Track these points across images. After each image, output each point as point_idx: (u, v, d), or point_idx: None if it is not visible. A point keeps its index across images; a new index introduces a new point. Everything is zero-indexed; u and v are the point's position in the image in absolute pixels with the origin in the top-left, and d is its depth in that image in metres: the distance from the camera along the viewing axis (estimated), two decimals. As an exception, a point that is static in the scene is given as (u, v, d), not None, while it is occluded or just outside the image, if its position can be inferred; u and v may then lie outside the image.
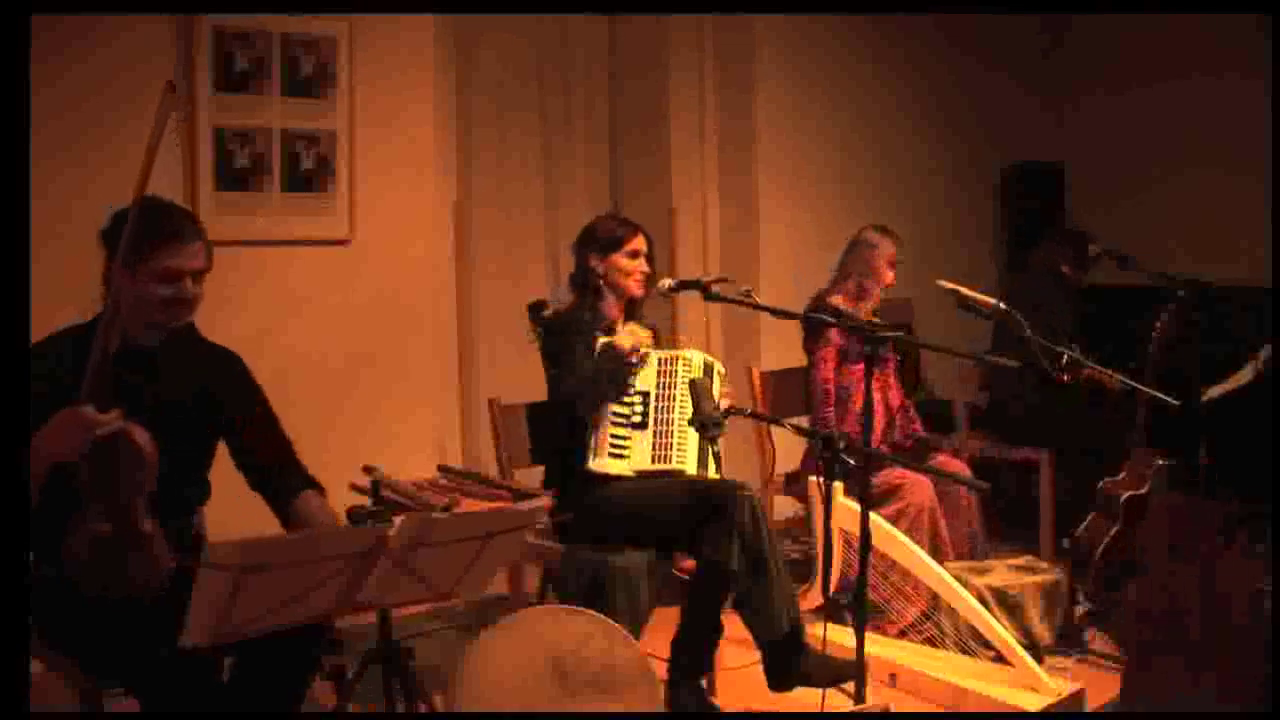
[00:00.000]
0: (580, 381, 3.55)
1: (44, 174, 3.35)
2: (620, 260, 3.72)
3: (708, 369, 3.67)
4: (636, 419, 3.61)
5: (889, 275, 4.51)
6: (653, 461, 3.59)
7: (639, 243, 3.74)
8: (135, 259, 2.59)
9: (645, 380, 3.64)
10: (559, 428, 3.67)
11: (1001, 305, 4.05)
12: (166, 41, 4.04)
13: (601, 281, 3.73)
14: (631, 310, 3.81)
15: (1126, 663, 3.37)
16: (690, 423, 3.38)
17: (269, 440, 2.89)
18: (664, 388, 3.64)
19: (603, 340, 3.61)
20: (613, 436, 3.59)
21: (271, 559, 2.22)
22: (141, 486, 2.54)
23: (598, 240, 3.75)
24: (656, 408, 3.62)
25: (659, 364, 3.65)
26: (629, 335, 3.63)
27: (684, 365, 3.64)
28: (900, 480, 4.23)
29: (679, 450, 3.60)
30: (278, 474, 2.86)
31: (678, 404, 3.60)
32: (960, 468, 4.43)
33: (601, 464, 3.57)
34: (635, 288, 3.74)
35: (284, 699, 2.69)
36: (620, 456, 3.58)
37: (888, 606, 4.06)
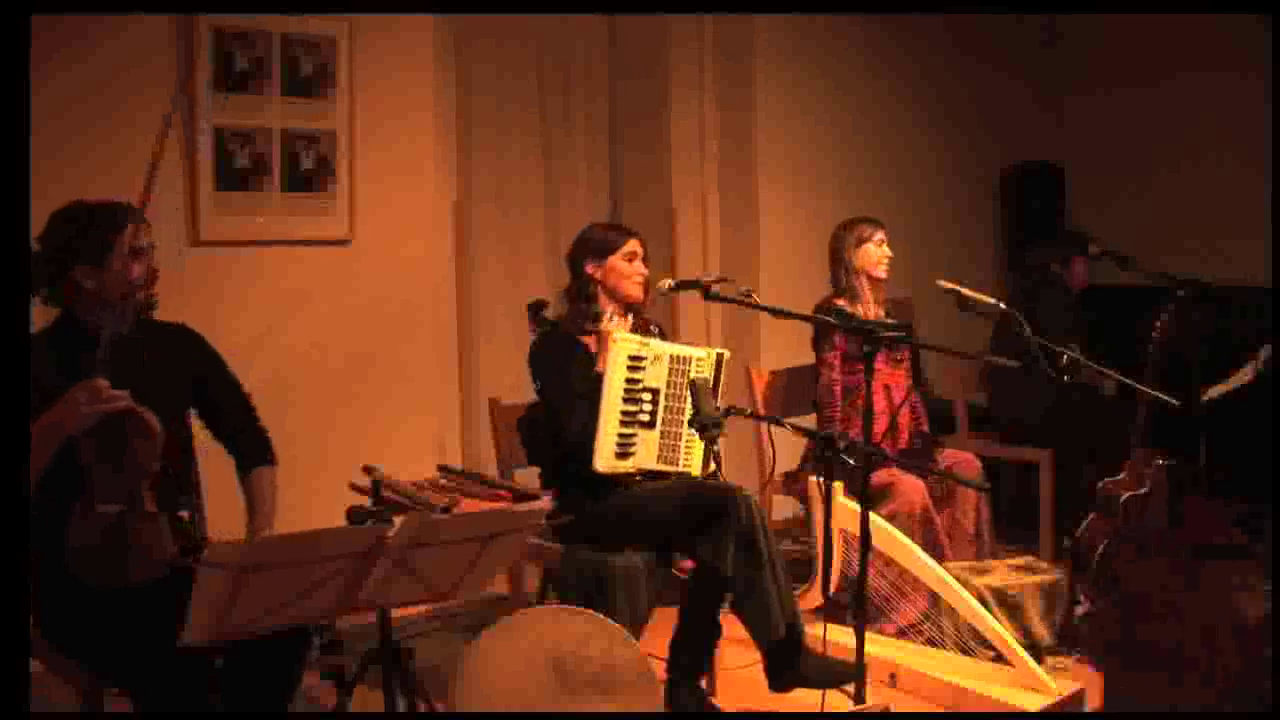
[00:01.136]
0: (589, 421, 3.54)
1: (44, 174, 3.34)
2: (618, 264, 3.69)
3: (719, 362, 3.65)
4: (645, 418, 3.58)
5: (868, 259, 4.44)
6: (658, 461, 3.58)
7: (635, 245, 3.72)
8: (105, 249, 2.76)
9: (656, 378, 3.59)
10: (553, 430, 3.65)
11: (1001, 305, 4.05)
12: (166, 41, 4.04)
13: (599, 288, 3.71)
14: (632, 315, 3.78)
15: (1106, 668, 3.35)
16: (690, 423, 3.38)
17: (232, 404, 3.08)
18: (674, 387, 3.60)
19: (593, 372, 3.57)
20: (620, 435, 3.55)
21: (272, 559, 2.22)
22: (148, 466, 2.63)
23: (593, 246, 3.73)
24: (666, 407, 3.59)
25: (670, 361, 3.63)
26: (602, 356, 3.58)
27: (697, 365, 3.62)
28: (893, 479, 4.22)
29: (686, 452, 3.60)
30: (239, 439, 3.06)
31: (688, 404, 3.56)
32: (969, 459, 4.43)
33: (609, 464, 3.54)
34: (635, 290, 3.71)
35: (273, 697, 2.71)
36: (626, 455, 3.56)
37: (887, 605, 4.05)
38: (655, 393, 3.59)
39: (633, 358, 3.57)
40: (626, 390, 3.56)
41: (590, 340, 3.66)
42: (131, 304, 2.81)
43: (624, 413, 3.56)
